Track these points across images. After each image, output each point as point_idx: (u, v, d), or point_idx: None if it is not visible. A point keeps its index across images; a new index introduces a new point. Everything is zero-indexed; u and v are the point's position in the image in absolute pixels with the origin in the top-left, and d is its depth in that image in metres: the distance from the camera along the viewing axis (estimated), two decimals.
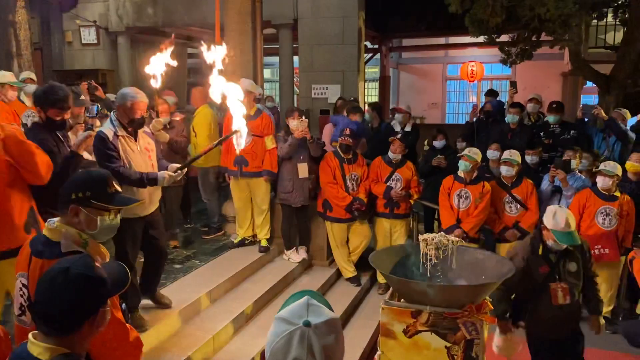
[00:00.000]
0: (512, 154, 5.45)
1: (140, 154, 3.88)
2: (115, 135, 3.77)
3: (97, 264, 1.72)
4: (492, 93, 8.56)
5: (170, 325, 4.19)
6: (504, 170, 5.45)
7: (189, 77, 13.19)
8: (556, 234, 3.55)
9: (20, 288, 2.17)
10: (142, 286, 4.18)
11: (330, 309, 1.42)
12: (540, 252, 3.70)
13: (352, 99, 8.32)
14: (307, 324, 1.29)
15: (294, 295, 1.46)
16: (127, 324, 2.30)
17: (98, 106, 4.62)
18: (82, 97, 4.70)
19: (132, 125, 3.84)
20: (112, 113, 3.92)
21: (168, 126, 5.62)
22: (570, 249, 3.67)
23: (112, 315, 2.09)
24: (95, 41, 10.68)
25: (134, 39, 10.79)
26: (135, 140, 3.87)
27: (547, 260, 3.69)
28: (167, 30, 10.78)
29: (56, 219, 2.27)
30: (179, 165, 3.92)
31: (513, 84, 7.55)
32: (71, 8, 10.54)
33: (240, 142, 3.32)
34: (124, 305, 2.46)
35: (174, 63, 4.06)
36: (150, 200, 3.96)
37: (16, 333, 2.20)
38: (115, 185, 2.35)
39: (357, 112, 6.88)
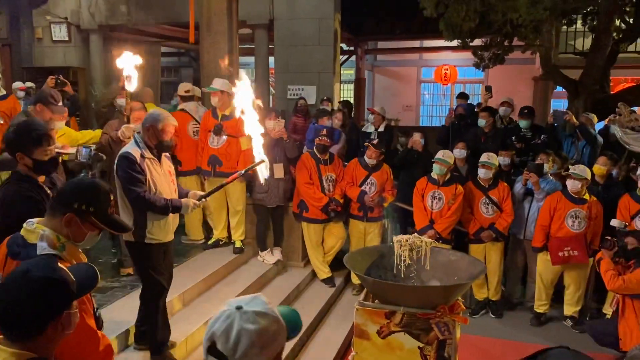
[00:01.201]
0: (490, 157, 5.55)
1: (165, 177, 3.71)
2: (142, 157, 3.57)
3: (62, 266, 1.68)
4: (462, 96, 8.69)
5: None
6: (482, 172, 5.54)
7: (163, 76, 13.04)
8: None
9: None
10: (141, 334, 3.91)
11: (296, 325, 1.58)
12: None
13: (325, 98, 8.32)
14: (238, 308, 1.39)
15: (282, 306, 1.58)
16: (99, 332, 2.24)
17: (91, 149, 4.33)
18: (60, 103, 4.43)
19: (160, 148, 3.69)
20: (136, 134, 3.72)
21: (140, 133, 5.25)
22: None
23: (83, 322, 2.06)
24: (67, 38, 10.47)
25: (106, 37, 10.61)
26: (160, 163, 3.72)
27: None
28: (140, 29, 10.65)
29: (35, 219, 2.19)
30: (202, 193, 3.75)
31: (488, 89, 7.67)
32: (41, 4, 10.32)
33: (265, 172, 3.22)
34: (98, 312, 2.40)
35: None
36: (173, 226, 3.82)
37: None
38: (113, 205, 2.29)
39: (325, 115, 6.87)
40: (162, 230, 3.71)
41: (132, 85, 4.34)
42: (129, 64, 4.22)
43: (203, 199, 3.67)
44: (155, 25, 10.68)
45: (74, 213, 2.14)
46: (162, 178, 3.68)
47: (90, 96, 9.69)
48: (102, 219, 2.20)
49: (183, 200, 3.65)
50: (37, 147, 2.81)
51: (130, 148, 3.61)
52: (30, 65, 10.43)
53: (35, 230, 2.12)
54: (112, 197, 2.28)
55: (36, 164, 2.83)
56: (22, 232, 2.16)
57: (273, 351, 1.41)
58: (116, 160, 3.63)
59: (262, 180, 3.37)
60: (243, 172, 3.51)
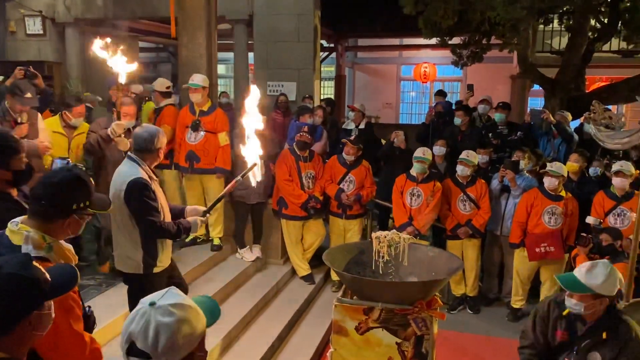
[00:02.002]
0: (469, 155, 5.60)
1: (163, 198, 3.49)
2: (150, 179, 3.31)
3: (38, 265, 1.63)
4: (441, 93, 8.75)
5: (116, 328, 4.04)
6: (460, 169, 5.59)
7: (141, 72, 12.80)
8: (565, 275, 2.90)
9: None
10: None
11: (213, 311, 1.55)
12: (565, 312, 2.91)
13: (307, 95, 8.30)
14: (151, 304, 1.38)
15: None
16: (88, 335, 2.17)
17: (68, 160, 4.12)
18: (28, 95, 4.19)
19: (157, 165, 3.50)
20: (132, 154, 3.37)
21: (131, 129, 4.57)
22: (604, 337, 2.76)
23: (70, 328, 2.02)
24: (41, 32, 10.23)
25: (83, 31, 10.42)
26: (157, 183, 3.47)
27: (570, 327, 2.92)
28: (117, 23, 10.48)
29: (19, 218, 2.12)
30: (204, 209, 3.51)
31: (470, 87, 7.75)
32: None
33: (258, 175, 3.12)
34: (89, 308, 2.32)
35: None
36: (172, 247, 3.65)
37: None
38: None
39: (307, 112, 6.84)
40: (168, 255, 3.56)
41: (123, 77, 4.20)
42: (119, 62, 4.10)
43: (207, 214, 3.49)
44: (133, 20, 10.51)
45: (74, 213, 2.17)
46: (163, 199, 3.50)
47: (67, 91, 9.49)
48: (93, 205, 2.25)
49: (190, 219, 3.40)
50: (14, 156, 2.68)
51: (138, 172, 3.28)
52: (3, 59, 10.18)
53: (19, 231, 2.06)
54: (92, 180, 2.32)
55: (16, 175, 2.69)
56: (6, 232, 2.09)
57: (195, 340, 1.41)
58: (126, 187, 3.25)
59: (253, 183, 3.30)
60: (240, 178, 3.43)
